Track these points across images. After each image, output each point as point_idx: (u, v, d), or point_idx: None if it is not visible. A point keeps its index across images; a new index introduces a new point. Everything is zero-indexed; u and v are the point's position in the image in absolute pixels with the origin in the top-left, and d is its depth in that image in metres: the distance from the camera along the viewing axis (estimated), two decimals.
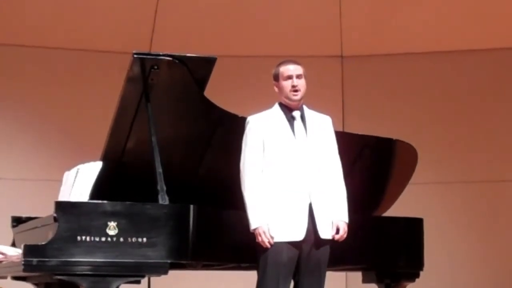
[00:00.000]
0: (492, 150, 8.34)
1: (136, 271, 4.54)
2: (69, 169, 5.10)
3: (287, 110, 4.70)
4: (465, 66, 8.45)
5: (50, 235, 4.46)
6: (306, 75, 4.72)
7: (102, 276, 4.47)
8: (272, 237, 4.49)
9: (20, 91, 8.22)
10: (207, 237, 4.77)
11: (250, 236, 4.54)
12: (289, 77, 4.68)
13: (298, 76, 4.69)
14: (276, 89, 4.74)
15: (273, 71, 4.76)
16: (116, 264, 4.48)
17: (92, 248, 4.45)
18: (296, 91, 4.66)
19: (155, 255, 4.54)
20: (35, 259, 4.39)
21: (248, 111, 4.87)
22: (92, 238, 4.46)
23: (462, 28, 8.34)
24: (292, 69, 4.70)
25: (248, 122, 4.71)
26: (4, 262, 4.93)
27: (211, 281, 7.40)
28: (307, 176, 4.57)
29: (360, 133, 5.84)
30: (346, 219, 4.62)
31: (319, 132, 4.70)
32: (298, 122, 4.67)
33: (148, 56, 4.88)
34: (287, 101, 4.69)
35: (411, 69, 8.54)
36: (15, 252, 4.88)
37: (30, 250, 4.40)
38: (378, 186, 5.97)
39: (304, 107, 4.74)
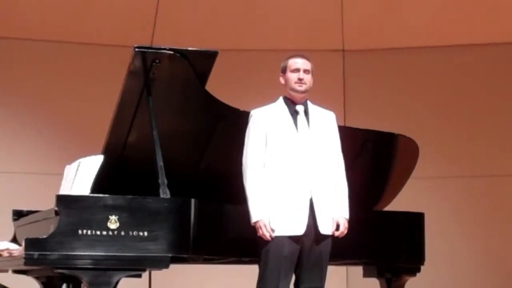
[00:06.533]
0: (494, 144, 8.34)
1: (137, 265, 4.55)
2: (70, 162, 5.10)
3: (291, 104, 4.70)
4: (468, 61, 8.44)
5: (52, 229, 4.46)
6: (314, 72, 4.73)
7: (103, 270, 4.47)
8: (273, 230, 4.50)
9: (21, 85, 8.21)
10: (208, 231, 4.77)
11: (251, 230, 4.55)
12: (297, 70, 4.68)
13: (306, 71, 4.69)
14: (282, 81, 4.74)
15: (282, 64, 4.76)
16: (117, 257, 4.48)
17: (93, 241, 4.45)
18: (301, 83, 4.66)
19: (156, 249, 4.54)
20: (36, 253, 4.40)
21: (249, 105, 4.87)
22: (93, 232, 4.46)
23: (465, 22, 8.33)
24: (300, 62, 4.71)
25: (251, 115, 4.72)
26: (5, 255, 4.94)
27: (212, 275, 7.40)
28: (309, 171, 4.57)
29: (361, 127, 5.84)
30: (347, 215, 4.63)
31: (322, 127, 4.70)
32: (301, 117, 4.67)
33: (150, 50, 4.87)
34: (291, 93, 4.70)
35: (412, 63, 8.52)
36: (17, 247, 4.89)
37: (31, 244, 4.41)
38: (379, 180, 5.97)
39: (308, 102, 4.74)
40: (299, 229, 4.51)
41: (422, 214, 5.77)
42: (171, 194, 4.67)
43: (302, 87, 4.68)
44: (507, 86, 8.38)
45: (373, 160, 5.85)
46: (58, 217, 4.46)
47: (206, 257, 4.99)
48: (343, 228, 4.60)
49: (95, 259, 4.46)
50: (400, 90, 8.51)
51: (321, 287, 4.64)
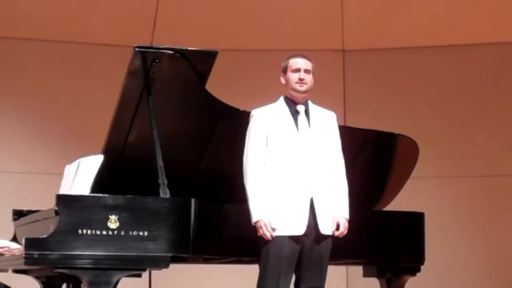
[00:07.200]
0: (493, 144, 8.34)
1: (137, 265, 4.55)
2: (70, 162, 5.10)
3: (292, 104, 4.70)
4: (467, 60, 8.44)
5: (51, 229, 4.46)
6: (314, 72, 4.73)
7: (103, 270, 4.47)
8: (273, 230, 4.50)
9: (22, 85, 8.21)
10: (208, 230, 4.77)
11: (251, 230, 4.55)
12: (297, 70, 4.69)
13: (306, 71, 4.69)
14: (282, 81, 4.74)
15: (282, 64, 4.76)
16: (117, 257, 4.48)
17: (93, 241, 4.45)
18: (302, 83, 4.66)
19: (156, 249, 4.54)
20: (36, 252, 4.40)
21: (250, 105, 4.87)
22: (93, 232, 4.46)
23: (466, 22, 8.33)
24: (301, 62, 4.71)
25: (252, 115, 4.72)
26: (6, 255, 4.94)
27: (212, 274, 7.40)
28: (309, 171, 4.57)
29: (361, 127, 5.84)
30: (347, 215, 4.62)
31: (323, 127, 4.70)
32: (302, 117, 4.67)
33: (150, 50, 4.87)
34: (292, 93, 4.70)
35: (412, 63, 8.53)
36: (18, 246, 4.88)
37: (31, 243, 4.41)
38: (379, 180, 5.97)
39: (309, 102, 4.74)
40: (300, 229, 4.51)
41: (422, 214, 5.77)
42: (171, 194, 4.67)
43: (303, 87, 4.68)
44: (508, 86, 8.38)
45: (373, 160, 5.85)
46: (58, 216, 4.46)
47: (206, 257, 5.00)
48: (343, 228, 4.60)
49: (95, 259, 4.46)
50: (400, 90, 8.51)
51: (321, 287, 4.64)
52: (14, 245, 4.95)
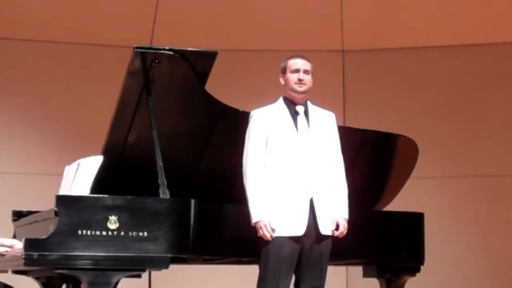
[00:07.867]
0: (493, 144, 8.34)
1: (137, 265, 4.55)
2: (70, 163, 5.10)
3: (291, 104, 4.70)
4: (466, 61, 8.44)
5: (51, 229, 4.46)
6: (314, 73, 4.73)
7: (102, 270, 4.47)
8: (273, 231, 4.50)
9: (22, 85, 8.21)
10: (208, 231, 4.77)
11: (251, 230, 4.55)
12: (296, 71, 4.69)
13: (306, 72, 4.70)
14: (282, 82, 4.75)
15: (281, 64, 4.76)
16: (116, 258, 4.48)
17: (92, 242, 4.45)
18: (301, 84, 4.66)
19: (156, 249, 4.54)
20: (36, 253, 4.40)
21: (249, 105, 4.87)
22: (93, 232, 4.46)
23: (465, 22, 8.33)
24: (300, 63, 4.71)
25: (251, 116, 4.72)
26: (6, 256, 4.93)
27: (212, 275, 7.40)
28: (309, 171, 4.58)
29: (361, 127, 5.84)
30: (346, 216, 4.63)
31: (322, 128, 4.70)
32: (301, 117, 4.68)
33: (149, 50, 4.88)
34: (291, 94, 4.70)
35: (412, 64, 8.52)
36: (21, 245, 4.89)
37: (31, 244, 4.41)
38: (379, 180, 5.97)
39: (308, 103, 4.74)
40: (300, 229, 4.52)
41: (422, 214, 5.77)
42: (171, 195, 4.67)
43: (302, 88, 4.68)
44: (508, 86, 8.38)
45: (372, 160, 5.85)
46: (57, 217, 4.46)
47: (206, 257, 5.00)
48: (343, 228, 4.60)
49: (95, 260, 4.46)
50: (400, 90, 8.51)
51: (321, 287, 4.65)
52: (19, 244, 4.94)
